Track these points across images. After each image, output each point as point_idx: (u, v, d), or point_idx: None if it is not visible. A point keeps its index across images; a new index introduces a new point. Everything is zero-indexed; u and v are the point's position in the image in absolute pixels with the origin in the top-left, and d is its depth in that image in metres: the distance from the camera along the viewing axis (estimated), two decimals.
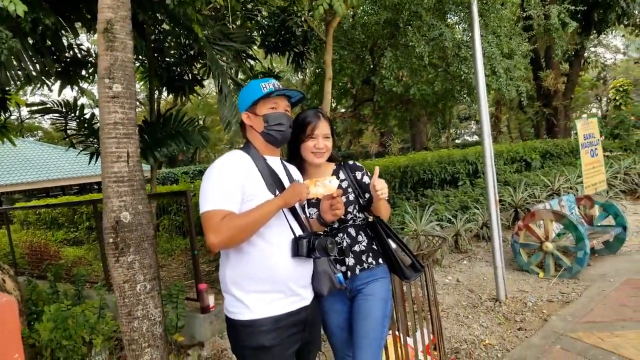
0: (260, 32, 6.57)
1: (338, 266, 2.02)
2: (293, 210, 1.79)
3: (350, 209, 2.04)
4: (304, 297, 1.76)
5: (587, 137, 5.67)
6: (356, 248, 2.04)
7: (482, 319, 3.80)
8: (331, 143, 2.04)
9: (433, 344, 3.04)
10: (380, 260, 2.07)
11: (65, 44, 4.54)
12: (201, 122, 28.77)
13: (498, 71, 6.15)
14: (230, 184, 1.63)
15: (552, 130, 15.88)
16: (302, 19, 5.04)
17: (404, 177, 8.35)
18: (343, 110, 10.82)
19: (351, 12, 6.96)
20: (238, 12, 6.28)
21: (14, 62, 3.29)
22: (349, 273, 2.01)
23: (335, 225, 2.04)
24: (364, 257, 2.04)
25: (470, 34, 4.35)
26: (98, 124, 4.94)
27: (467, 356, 3.19)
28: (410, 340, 2.84)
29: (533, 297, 4.17)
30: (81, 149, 5.03)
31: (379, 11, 5.91)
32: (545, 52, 15.44)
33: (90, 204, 8.14)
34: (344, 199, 1.99)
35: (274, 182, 1.74)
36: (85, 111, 4.97)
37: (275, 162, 1.83)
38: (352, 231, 2.05)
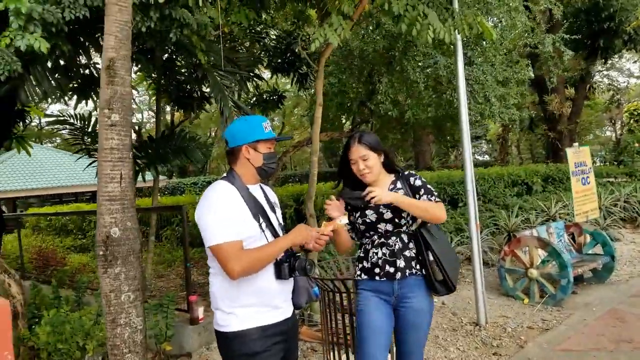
0: (268, 53, 6.92)
1: (387, 267, 2.18)
2: (275, 234, 1.95)
3: (404, 214, 2.20)
4: (286, 310, 1.95)
5: (578, 165, 5.79)
6: (406, 253, 2.19)
7: (460, 342, 3.92)
8: (372, 161, 2.19)
9: None
10: (424, 271, 2.20)
11: (84, 62, 4.89)
12: (213, 133, 29.37)
13: (491, 99, 6.34)
14: (233, 216, 1.80)
15: (557, 154, 15.86)
16: (301, 46, 5.32)
17: None
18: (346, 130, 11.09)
19: (347, 40, 7.26)
20: (245, 36, 6.63)
21: (33, 82, 3.62)
22: (398, 274, 2.15)
23: (390, 229, 2.21)
24: (413, 263, 2.19)
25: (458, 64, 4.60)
26: None
27: None
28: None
29: (514, 323, 4.27)
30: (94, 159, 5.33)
31: (377, 39, 6.16)
32: (550, 76, 15.60)
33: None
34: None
35: (257, 210, 1.92)
36: None
37: (256, 189, 1.99)
38: (404, 237, 2.21)
